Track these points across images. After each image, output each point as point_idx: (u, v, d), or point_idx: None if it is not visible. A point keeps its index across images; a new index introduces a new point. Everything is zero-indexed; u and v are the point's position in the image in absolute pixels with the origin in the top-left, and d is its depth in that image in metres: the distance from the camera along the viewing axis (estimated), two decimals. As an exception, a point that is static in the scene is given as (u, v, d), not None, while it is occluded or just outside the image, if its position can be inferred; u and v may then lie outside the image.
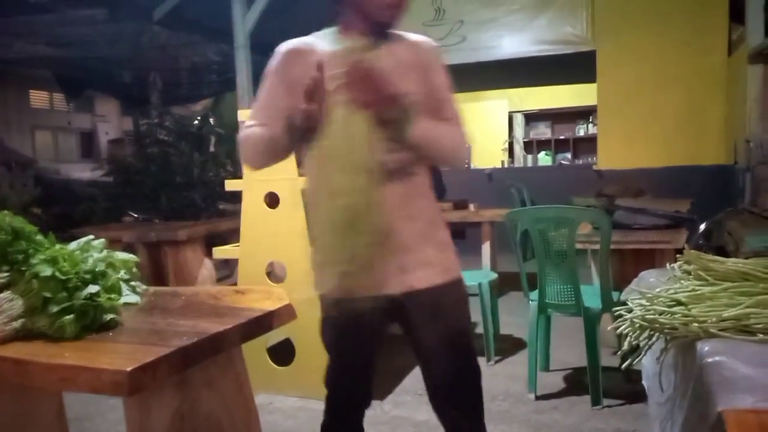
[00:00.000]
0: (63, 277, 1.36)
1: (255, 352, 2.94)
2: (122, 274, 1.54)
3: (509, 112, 10.30)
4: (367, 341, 1.60)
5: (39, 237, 1.53)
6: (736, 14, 5.24)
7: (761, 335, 1.22)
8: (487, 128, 10.12)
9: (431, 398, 1.62)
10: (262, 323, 1.55)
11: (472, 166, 9.19)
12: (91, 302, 1.35)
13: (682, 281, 1.49)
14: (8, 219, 1.66)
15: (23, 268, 1.44)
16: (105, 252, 1.50)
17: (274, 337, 3.04)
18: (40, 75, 9.04)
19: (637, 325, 1.37)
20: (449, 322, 1.55)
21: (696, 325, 1.26)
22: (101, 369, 1.14)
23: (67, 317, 1.31)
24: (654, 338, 1.37)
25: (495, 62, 6.81)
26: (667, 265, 1.66)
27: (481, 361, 3.41)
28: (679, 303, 1.34)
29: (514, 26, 6.65)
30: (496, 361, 3.39)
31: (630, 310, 1.42)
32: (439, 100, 1.56)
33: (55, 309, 1.31)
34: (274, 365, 3.03)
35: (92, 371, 1.14)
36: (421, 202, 1.55)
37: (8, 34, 6.54)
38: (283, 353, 3.04)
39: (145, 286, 1.66)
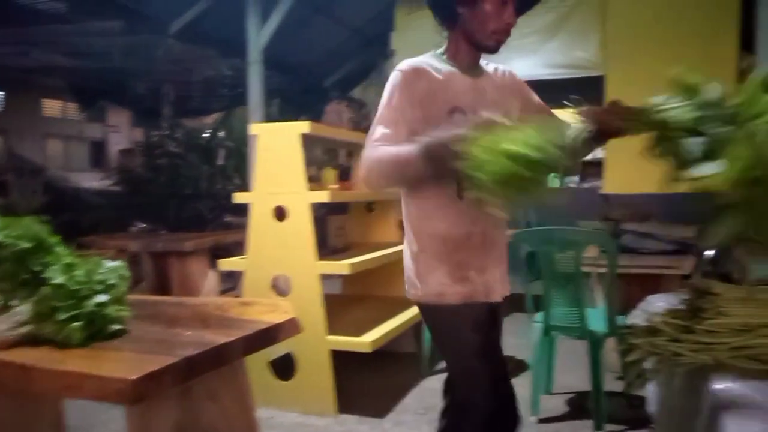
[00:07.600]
0: (74, 287, 1.36)
1: (256, 365, 2.92)
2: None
3: (518, 134, 10.27)
4: None
5: (59, 248, 1.54)
6: (746, 43, 5.24)
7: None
8: (495, 149, 10.11)
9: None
10: (267, 336, 1.55)
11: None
12: (98, 311, 1.35)
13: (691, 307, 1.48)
14: (34, 228, 1.67)
15: (42, 277, 1.44)
16: (117, 262, 1.50)
17: (276, 350, 3.03)
18: (54, 84, 9.15)
19: (645, 350, 1.36)
20: None
21: (706, 354, 1.25)
22: (106, 377, 1.14)
23: (75, 324, 1.30)
24: (662, 364, 1.36)
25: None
26: (677, 290, 1.65)
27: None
28: (688, 330, 1.33)
29: (526, 49, 6.68)
30: (499, 383, 3.35)
31: (638, 335, 1.41)
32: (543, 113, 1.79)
33: (63, 316, 1.31)
34: (275, 379, 3.01)
35: (97, 379, 1.14)
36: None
37: (25, 43, 6.63)
38: (283, 367, 3.02)
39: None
